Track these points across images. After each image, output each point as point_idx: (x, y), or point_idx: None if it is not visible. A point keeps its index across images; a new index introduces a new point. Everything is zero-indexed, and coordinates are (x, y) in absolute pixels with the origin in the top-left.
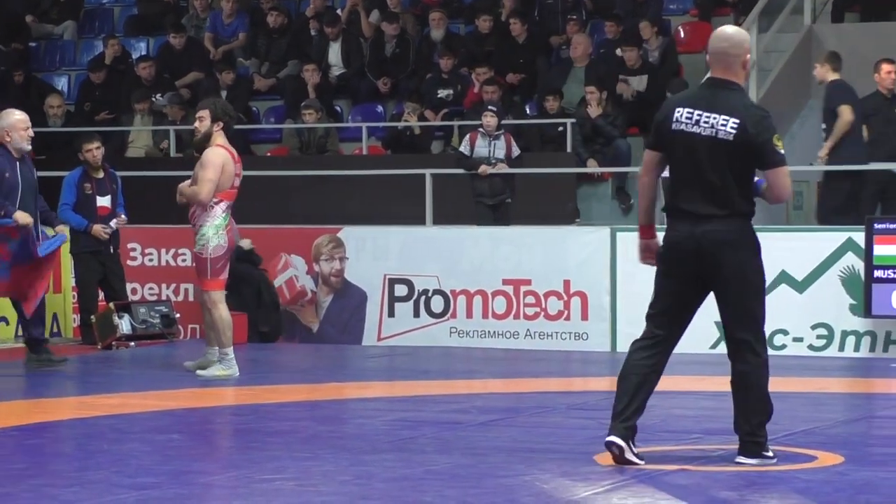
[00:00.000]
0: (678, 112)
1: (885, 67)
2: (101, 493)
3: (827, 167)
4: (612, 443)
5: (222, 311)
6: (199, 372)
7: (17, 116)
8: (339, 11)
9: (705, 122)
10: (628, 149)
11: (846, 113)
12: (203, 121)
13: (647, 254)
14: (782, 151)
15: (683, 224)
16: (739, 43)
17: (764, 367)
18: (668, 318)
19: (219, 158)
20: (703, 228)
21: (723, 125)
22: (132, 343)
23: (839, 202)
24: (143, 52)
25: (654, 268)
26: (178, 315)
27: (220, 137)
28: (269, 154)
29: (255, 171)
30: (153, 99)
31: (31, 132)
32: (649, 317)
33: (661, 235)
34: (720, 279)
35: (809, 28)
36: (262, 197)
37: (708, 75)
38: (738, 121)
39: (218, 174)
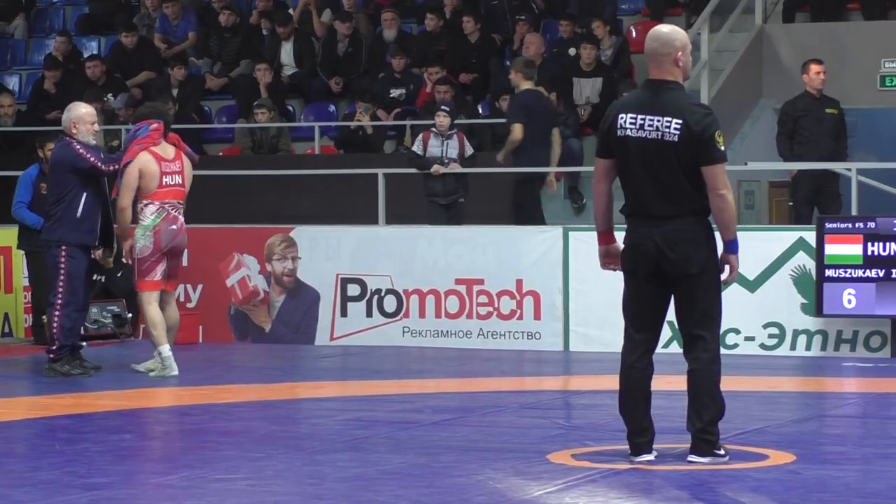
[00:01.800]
0: (621, 118)
1: (814, 68)
2: (54, 494)
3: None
4: (647, 461)
5: (150, 311)
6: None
7: (85, 110)
8: (291, 11)
9: (650, 126)
10: (581, 148)
11: (517, 132)
12: None
13: (608, 259)
14: (723, 148)
15: (643, 226)
16: (669, 41)
17: (716, 364)
18: (644, 319)
19: (133, 165)
20: (662, 229)
21: (667, 126)
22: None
23: None
24: (95, 52)
25: (607, 270)
26: (130, 315)
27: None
28: (221, 153)
29: (208, 171)
30: (105, 99)
31: (97, 126)
32: (628, 322)
33: (619, 237)
34: (682, 277)
35: (761, 28)
36: (215, 196)
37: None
38: (680, 121)
39: (131, 178)
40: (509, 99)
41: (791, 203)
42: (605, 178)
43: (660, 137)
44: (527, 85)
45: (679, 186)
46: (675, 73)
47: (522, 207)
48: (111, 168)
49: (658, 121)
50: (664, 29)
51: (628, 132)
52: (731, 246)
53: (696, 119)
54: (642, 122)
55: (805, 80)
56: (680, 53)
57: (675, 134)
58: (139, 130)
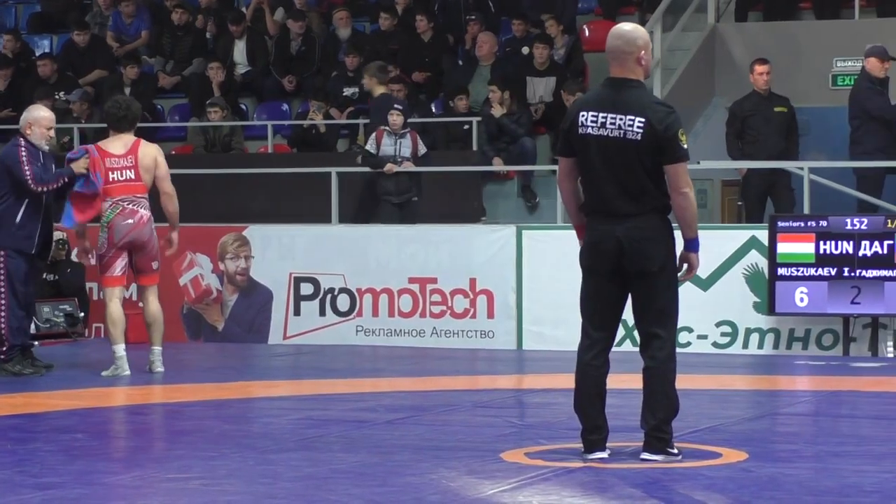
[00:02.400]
0: (582, 116)
1: (759, 68)
2: (5, 493)
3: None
4: (601, 459)
5: (110, 308)
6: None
7: (43, 113)
8: (243, 9)
9: (612, 124)
10: (534, 147)
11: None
12: None
13: None
14: (685, 147)
15: (603, 224)
16: (632, 40)
17: (671, 362)
18: (602, 317)
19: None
20: (623, 227)
21: (629, 125)
22: (36, 342)
23: None
24: (47, 50)
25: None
26: (82, 314)
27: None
28: (174, 152)
29: None
30: (56, 96)
31: (52, 133)
32: (585, 319)
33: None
34: (641, 275)
35: (713, 27)
36: None
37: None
38: (643, 119)
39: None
40: (372, 104)
41: (740, 202)
42: (568, 177)
43: (622, 136)
44: (381, 90)
45: (641, 184)
46: (637, 71)
47: (362, 206)
48: (40, 189)
49: (620, 119)
50: (626, 27)
51: (589, 130)
52: (693, 244)
53: (659, 118)
54: (604, 120)
55: (751, 80)
56: (643, 52)
57: (637, 132)
58: (78, 155)
